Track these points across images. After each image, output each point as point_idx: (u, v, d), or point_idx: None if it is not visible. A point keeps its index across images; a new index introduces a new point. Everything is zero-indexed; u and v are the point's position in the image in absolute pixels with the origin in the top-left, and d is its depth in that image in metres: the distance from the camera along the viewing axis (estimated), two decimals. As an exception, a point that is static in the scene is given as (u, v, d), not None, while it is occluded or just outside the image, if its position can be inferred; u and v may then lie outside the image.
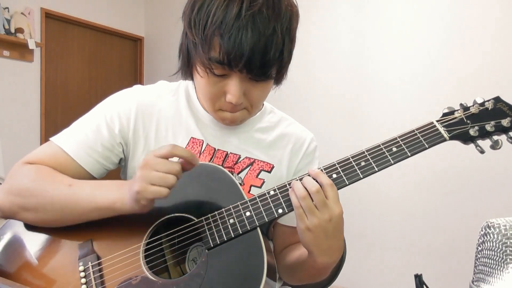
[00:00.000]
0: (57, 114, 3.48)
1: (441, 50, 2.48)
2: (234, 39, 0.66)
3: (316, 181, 0.66)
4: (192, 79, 0.81)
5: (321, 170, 0.69)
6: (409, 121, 2.51)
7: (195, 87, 0.86)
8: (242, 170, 0.83)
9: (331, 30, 2.90)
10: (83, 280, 0.67)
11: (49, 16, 3.35)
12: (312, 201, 0.65)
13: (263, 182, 0.84)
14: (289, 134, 0.90)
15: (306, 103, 2.97)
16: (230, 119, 0.79)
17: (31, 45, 3.06)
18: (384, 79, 2.69)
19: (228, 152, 0.84)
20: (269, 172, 0.85)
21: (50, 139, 0.80)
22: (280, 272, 0.86)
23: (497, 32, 2.31)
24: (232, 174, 0.80)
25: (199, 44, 0.69)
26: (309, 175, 0.68)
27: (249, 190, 0.82)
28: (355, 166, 0.68)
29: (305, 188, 0.65)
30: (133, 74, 4.16)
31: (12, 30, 3.02)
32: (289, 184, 0.70)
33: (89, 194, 0.70)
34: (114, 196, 0.68)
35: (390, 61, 2.67)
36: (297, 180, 0.68)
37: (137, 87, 0.87)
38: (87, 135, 0.79)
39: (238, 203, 0.70)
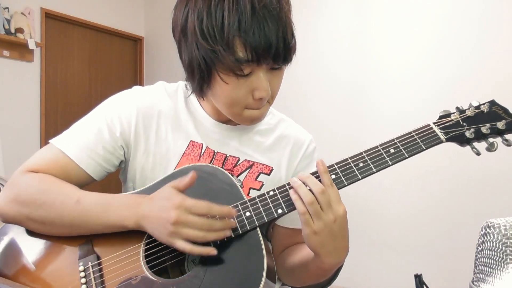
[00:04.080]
0: (57, 114, 3.48)
1: (442, 47, 2.48)
2: (259, 34, 0.66)
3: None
4: (205, 94, 0.78)
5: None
6: (409, 117, 2.51)
7: (201, 98, 0.84)
8: (241, 173, 0.83)
9: (333, 28, 2.90)
10: (83, 280, 0.67)
11: (49, 16, 3.35)
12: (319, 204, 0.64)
13: (262, 184, 0.84)
14: (288, 135, 0.90)
15: (307, 98, 2.97)
16: (259, 115, 0.79)
17: (31, 45, 3.06)
18: (385, 74, 2.69)
19: (227, 155, 0.84)
20: (268, 174, 0.85)
21: (50, 141, 0.79)
22: (281, 273, 0.86)
23: (498, 32, 2.31)
24: (232, 176, 0.80)
25: (220, 50, 0.67)
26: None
27: (248, 193, 0.82)
28: (353, 167, 0.69)
29: (311, 192, 0.65)
30: (133, 74, 4.16)
31: (12, 30, 3.02)
32: (288, 184, 0.69)
33: (99, 213, 0.70)
34: (124, 215, 0.69)
35: (391, 57, 2.67)
36: (297, 180, 0.67)
37: (136, 89, 0.87)
38: (88, 138, 0.78)
39: (238, 203, 0.70)
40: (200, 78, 0.74)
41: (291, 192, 0.67)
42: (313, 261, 0.71)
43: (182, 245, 0.64)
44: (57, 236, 0.73)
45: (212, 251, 0.65)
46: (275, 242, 0.89)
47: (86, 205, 0.71)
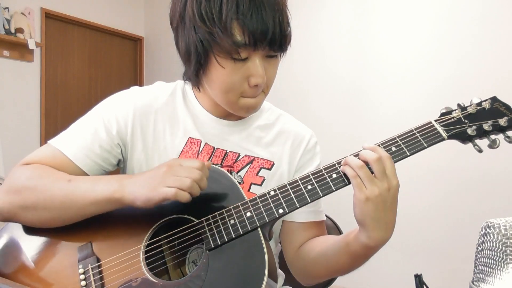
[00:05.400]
0: (57, 114, 3.48)
1: (441, 46, 2.48)
2: (256, 18, 0.68)
3: None
4: (200, 81, 0.79)
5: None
6: (408, 115, 2.51)
7: (196, 87, 0.84)
8: (242, 169, 0.83)
9: (332, 26, 2.90)
10: (83, 283, 0.67)
11: (49, 16, 3.35)
12: (371, 172, 0.65)
13: (264, 179, 0.83)
14: (288, 131, 0.90)
15: (307, 96, 2.97)
16: (254, 104, 0.79)
17: (31, 45, 3.06)
18: (385, 73, 2.69)
19: (227, 151, 0.84)
20: (270, 169, 0.85)
21: (49, 141, 0.80)
22: (299, 269, 0.84)
23: (497, 31, 2.31)
24: (231, 173, 0.80)
25: (218, 33, 0.69)
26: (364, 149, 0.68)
27: (249, 189, 0.82)
28: None
29: (362, 161, 0.66)
30: (133, 74, 4.15)
31: (12, 30, 3.02)
32: (290, 184, 0.70)
33: (88, 188, 0.70)
34: (114, 188, 0.68)
35: (390, 55, 2.67)
36: (350, 155, 0.68)
37: (134, 88, 0.87)
38: (85, 137, 0.79)
39: (239, 203, 0.70)
40: (197, 62, 0.74)
41: (342, 166, 0.68)
42: (356, 239, 0.70)
43: (166, 190, 0.64)
44: (51, 229, 0.72)
45: (169, 191, 0.64)
46: (290, 239, 0.88)
47: (77, 182, 0.71)
